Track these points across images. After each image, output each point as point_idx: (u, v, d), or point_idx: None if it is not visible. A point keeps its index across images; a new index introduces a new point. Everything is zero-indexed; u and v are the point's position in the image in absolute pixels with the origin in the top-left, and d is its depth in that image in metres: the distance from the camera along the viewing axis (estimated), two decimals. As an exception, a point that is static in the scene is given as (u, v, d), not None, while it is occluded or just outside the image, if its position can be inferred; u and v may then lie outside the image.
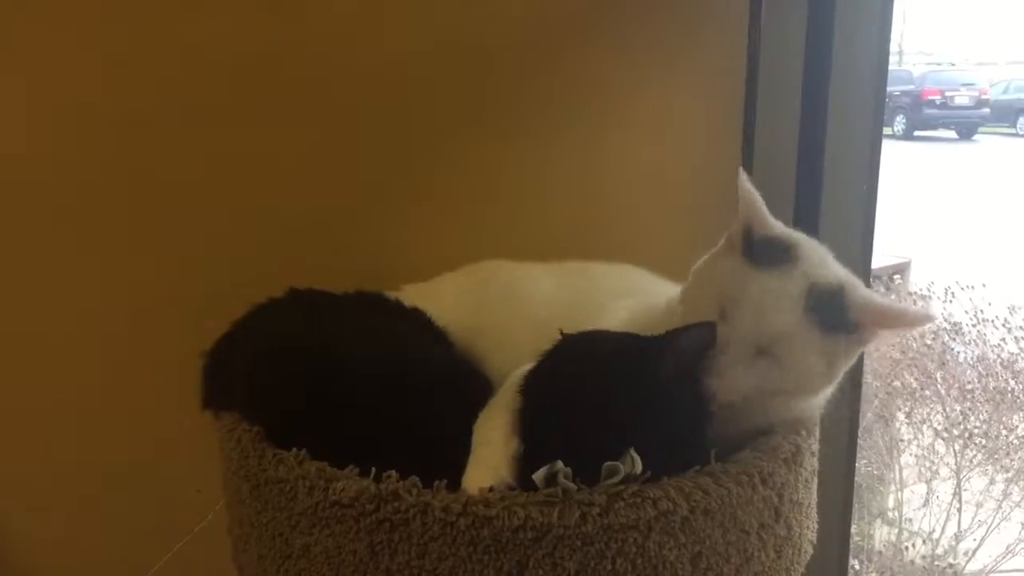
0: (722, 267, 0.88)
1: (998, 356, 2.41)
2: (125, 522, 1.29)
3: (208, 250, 1.25)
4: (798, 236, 0.89)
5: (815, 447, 0.92)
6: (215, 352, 1.03)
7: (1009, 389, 2.36)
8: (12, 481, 1.25)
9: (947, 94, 6.06)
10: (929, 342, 2.49)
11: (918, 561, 2.41)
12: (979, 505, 2.40)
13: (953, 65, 6.37)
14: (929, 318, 0.87)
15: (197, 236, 1.24)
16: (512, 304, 0.95)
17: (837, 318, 0.83)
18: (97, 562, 1.30)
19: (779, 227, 0.88)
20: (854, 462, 1.49)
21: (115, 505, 1.29)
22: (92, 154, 1.19)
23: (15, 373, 1.22)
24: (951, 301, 2.57)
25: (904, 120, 5.86)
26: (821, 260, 0.87)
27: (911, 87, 5.88)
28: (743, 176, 0.87)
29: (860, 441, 1.66)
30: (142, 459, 1.27)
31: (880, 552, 2.45)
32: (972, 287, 2.56)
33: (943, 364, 2.45)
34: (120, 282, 1.23)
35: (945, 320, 2.54)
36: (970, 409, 2.42)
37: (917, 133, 6.03)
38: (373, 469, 0.79)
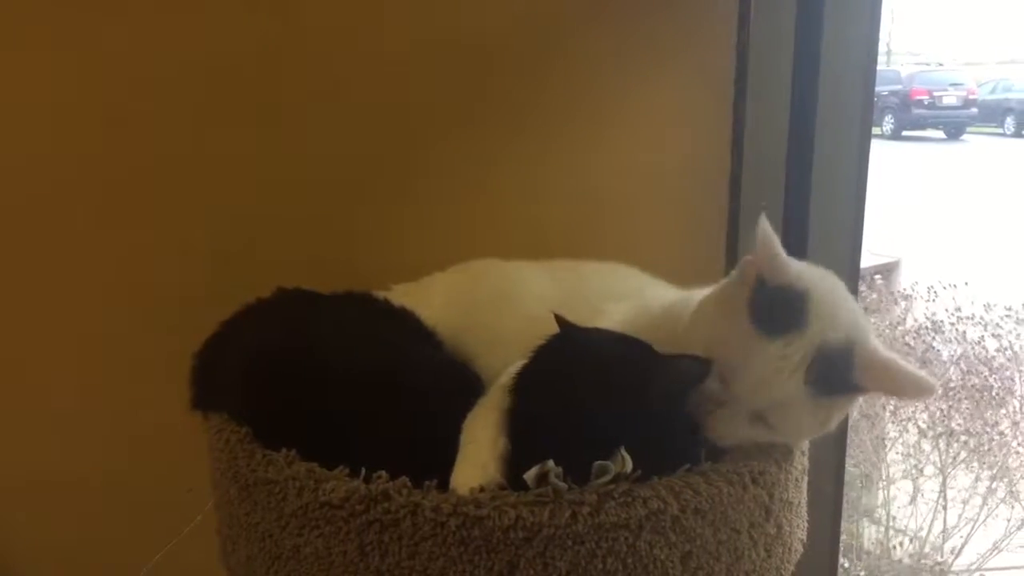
0: (725, 328, 0.84)
1: (976, 353, 2.43)
2: (115, 523, 1.28)
3: (196, 250, 1.24)
4: (810, 281, 0.83)
5: (805, 446, 0.92)
6: (204, 353, 1.02)
7: (990, 386, 2.38)
8: (4, 478, 1.24)
9: (935, 94, 6.09)
10: (911, 341, 2.50)
11: (906, 559, 2.42)
12: (965, 502, 2.41)
13: (941, 65, 6.41)
14: (932, 390, 0.81)
15: (185, 237, 1.24)
16: (503, 303, 0.95)
17: (839, 380, 0.81)
18: (86, 562, 1.29)
19: (792, 273, 0.82)
20: (843, 461, 1.49)
21: (104, 506, 1.28)
22: (80, 154, 1.18)
23: (10, 368, 1.22)
24: (934, 300, 2.59)
25: (892, 120, 5.89)
26: (832, 309, 0.82)
27: (899, 87, 5.91)
28: (763, 220, 0.81)
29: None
30: (131, 459, 1.26)
31: (868, 551, 2.46)
32: (955, 286, 2.58)
33: (926, 363, 2.46)
34: (108, 283, 1.23)
35: (928, 319, 2.55)
36: (953, 407, 2.43)
37: (905, 133, 6.06)
38: (363, 470, 0.79)
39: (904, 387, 0.83)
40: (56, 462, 1.26)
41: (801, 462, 0.91)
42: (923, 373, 0.81)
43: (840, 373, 0.80)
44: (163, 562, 1.18)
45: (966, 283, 2.56)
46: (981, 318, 2.46)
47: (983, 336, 2.43)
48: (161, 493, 1.23)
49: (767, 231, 0.81)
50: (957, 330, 2.47)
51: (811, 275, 0.85)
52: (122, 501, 1.28)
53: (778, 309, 0.81)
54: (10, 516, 1.27)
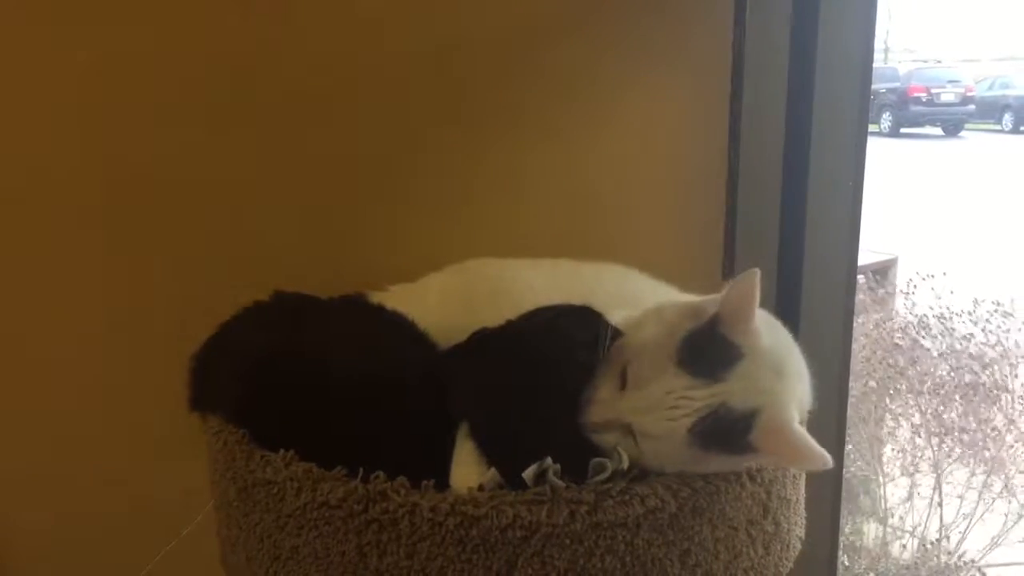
0: (660, 338, 0.82)
1: (965, 348, 2.43)
2: (113, 525, 1.28)
3: (194, 253, 1.24)
4: (756, 345, 0.80)
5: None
6: (202, 354, 1.02)
7: (981, 382, 2.38)
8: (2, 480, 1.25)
9: (933, 91, 6.09)
10: (899, 340, 2.51)
11: (905, 556, 2.42)
12: (961, 498, 2.41)
13: (939, 62, 6.40)
14: (826, 465, 0.76)
15: (184, 239, 1.24)
16: (499, 302, 0.94)
17: (729, 440, 0.78)
18: (85, 565, 1.30)
19: (746, 337, 0.80)
20: (842, 459, 1.49)
21: (103, 508, 1.28)
22: (79, 156, 1.18)
23: (10, 369, 1.22)
24: (913, 293, 2.59)
25: (890, 117, 5.89)
26: (757, 379, 0.79)
27: (897, 84, 5.91)
28: (757, 275, 0.79)
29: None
30: (129, 462, 1.26)
31: (868, 549, 2.46)
32: (933, 275, 2.57)
33: (914, 360, 2.46)
34: (107, 285, 1.23)
35: (913, 315, 2.55)
36: (943, 404, 2.43)
37: (903, 130, 6.06)
38: (361, 470, 0.79)
39: (799, 458, 0.79)
40: (54, 463, 1.26)
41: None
42: (821, 450, 0.77)
43: (732, 434, 0.78)
44: (162, 563, 1.18)
45: (944, 274, 2.56)
46: (970, 313, 2.46)
47: (971, 332, 2.44)
48: (159, 494, 1.24)
49: (753, 287, 0.79)
50: (944, 326, 2.47)
51: (765, 340, 0.82)
52: (120, 504, 1.28)
53: (709, 353, 0.79)
54: (8, 517, 1.27)
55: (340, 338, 0.97)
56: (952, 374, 2.41)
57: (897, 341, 2.47)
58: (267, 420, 0.89)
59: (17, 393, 1.23)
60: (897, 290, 2.70)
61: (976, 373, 2.38)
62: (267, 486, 0.82)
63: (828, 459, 0.76)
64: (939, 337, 2.47)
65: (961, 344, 2.43)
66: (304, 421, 0.87)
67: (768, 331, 0.83)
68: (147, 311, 1.23)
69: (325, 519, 0.78)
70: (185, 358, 1.01)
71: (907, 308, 2.56)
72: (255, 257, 1.24)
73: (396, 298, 1.07)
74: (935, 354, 2.46)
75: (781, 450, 0.79)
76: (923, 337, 2.46)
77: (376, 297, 1.08)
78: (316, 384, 0.88)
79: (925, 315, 2.48)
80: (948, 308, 2.48)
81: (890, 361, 2.46)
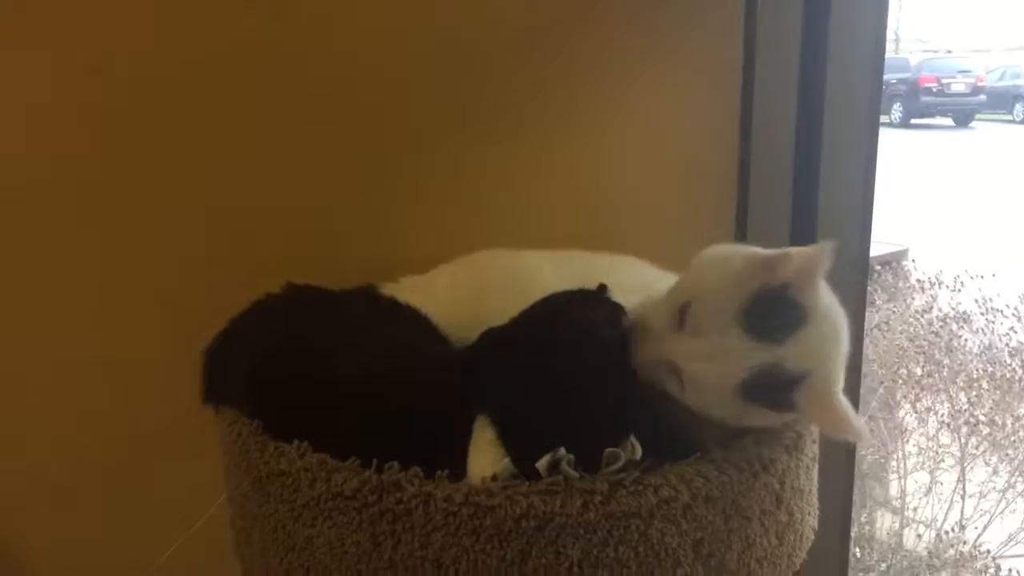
0: (719, 289, 0.82)
1: (1006, 345, 2.42)
2: (126, 518, 1.29)
3: (207, 246, 1.24)
4: (818, 313, 0.82)
5: (816, 434, 0.92)
6: (214, 348, 1.03)
7: (1017, 378, 2.37)
8: (10, 477, 1.25)
9: (943, 81, 6.05)
10: (937, 330, 2.50)
11: (920, 549, 2.42)
12: (982, 495, 2.40)
13: (949, 52, 6.36)
14: (863, 438, 0.81)
15: (197, 232, 1.24)
16: (509, 292, 0.94)
17: (775, 396, 0.80)
18: (98, 558, 1.30)
19: (812, 302, 0.81)
20: (855, 449, 1.49)
21: (116, 500, 1.29)
22: (90, 148, 1.18)
23: (13, 368, 1.23)
24: (960, 290, 2.58)
25: (901, 108, 5.86)
26: (815, 345, 0.81)
27: (907, 75, 5.87)
28: (831, 244, 0.79)
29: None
30: (142, 454, 1.27)
31: (882, 541, 2.45)
32: (982, 276, 2.57)
33: (950, 352, 2.45)
34: (119, 278, 1.23)
35: (953, 308, 2.54)
36: (976, 398, 2.42)
37: (914, 121, 6.03)
38: (375, 461, 0.79)
39: (838, 425, 0.80)
40: (63, 459, 1.26)
41: (812, 449, 0.91)
42: (862, 423, 0.79)
43: (778, 393, 0.79)
44: (176, 556, 1.19)
45: (993, 274, 2.55)
46: (1016, 310, 2.45)
47: (1014, 328, 2.42)
48: (171, 487, 1.24)
49: (828, 255, 0.80)
50: (986, 320, 2.45)
51: (824, 307, 0.83)
52: (133, 496, 1.28)
53: (775, 315, 0.80)
54: (21, 513, 1.28)
55: (352, 330, 0.97)
56: (989, 368, 2.40)
57: (936, 331, 2.46)
58: (279, 413, 0.89)
59: (23, 388, 1.23)
60: (923, 281, 2.68)
61: (1015, 369, 2.37)
62: (281, 477, 0.82)
63: (865, 432, 0.79)
64: (980, 332, 2.46)
65: (1001, 340, 2.42)
66: (315, 414, 0.87)
67: (828, 298, 0.84)
68: (158, 304, 1.24)
69: (339, 509, 0.79)
70: (197, 351, 1.02)
71: (951, 304, 2.54)
72: (267, 250, 1.24)
73: (406, 290, 1.07)
74: (975, 349, 2.45)
75: (823, 415, 0.81)
76: (963, 330, 2.45)
77: (387, 289, 1.09)
78: (328, 377, 0.89)
79: (967, 310, 2.47)
80: (990, 301, 2.47)
81: (927, 353, 2.45)
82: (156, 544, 1.26)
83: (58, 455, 1.27)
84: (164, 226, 1.23)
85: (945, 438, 2.48)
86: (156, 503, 1.26)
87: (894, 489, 2.51)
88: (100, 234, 1.22)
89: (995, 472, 2.41)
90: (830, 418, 0.80)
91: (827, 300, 0.84)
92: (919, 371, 2.51)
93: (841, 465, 1.39)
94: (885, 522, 2.47)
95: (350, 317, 1.01)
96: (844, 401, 0.80)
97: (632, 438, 0.79)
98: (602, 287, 0.91)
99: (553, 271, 1.01)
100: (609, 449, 0.79)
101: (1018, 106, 6.03)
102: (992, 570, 2.31)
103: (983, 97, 6.21)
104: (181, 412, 1.03)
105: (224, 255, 1.24)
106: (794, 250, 0.82)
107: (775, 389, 0.80)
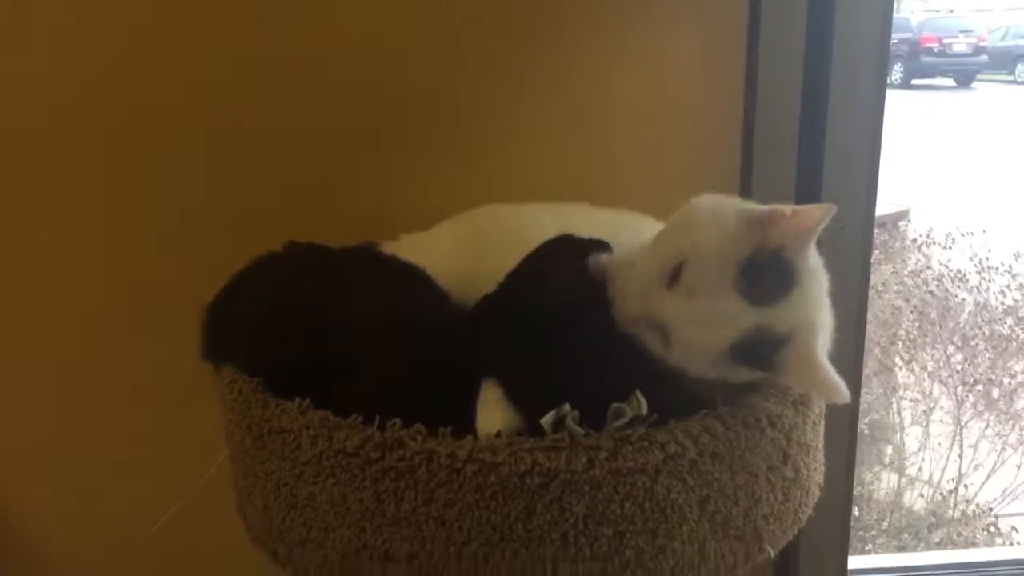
0: (710, 244, 0.80)
1: (1000, 303, 2.41)
2: (127, 477, 1.29)
3: (208, 203, 1.24)
4: (806, 274, 0.81)
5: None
6: (215, 305, 1.02)
7: (1012, 336, 2.37)
8: (8, 434, 1.25)
9: (945, 41, 5.99)
10: (932, 289, 2.49)
11: (916, 507, 2.44)
12: (974, 447, 2.42)
13: (951, 11, 6.30)
14: (844, 398, 0.78)
15: (198, 190, 1.23)
16: (511, 247, 0.93)
17: (758, 357, 0.79)
18: (100, 518, 1.30)
19: (806, 264, 0.81)
20: (858, 408, 1.48)
21: (116, 459, 1.29)
22: (92, 106, 1.18)
23: (12, 325, 1.22)
24: (951, 247, 2.57)
25: (902, 68, 5.80)
26: (802, 306, 0.80)
27: (909, 35, 5.82)
28: (833, 209, 0.78)
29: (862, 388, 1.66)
30: (143, 413, 1.27)
31: (879, 500, 2.47)
32: (972, 233, 2.56)
33: (946, 311, 2.45)
34: (119, 234, 1.23)
35: (946, 267, 2.54)
36: (971, 356, 2.43)
37: (915, 81, 5.98)
38: (377, 417, 0.79)
39: (820, 386, 0.80)
40: (62, 418, 1.26)
41: (819, 405, 0.90)
42: (841, 383, 0.78)
43: (763, 353, 0.79)
44: (179, 515, 1.19)
45: (984, 231, 2.54)
46: (1011, 267, 2.44)
47: (1008, 285, 2.42)
48: (174, 446, 1.24)
49: (826, 216, 0.78)
50: (981, 278, 2.45)
51: (811, 268, 0.82)
52: (134, 455, 1.28)
53: (769, 279, 0.79)
54: (18, 476, 1.28)
55: (353, 288, 0.96)
56: (984, 328, 2.40)
57: (932, 291, 2.46)
58: (280, 370, 0.88)
59: (23, 344, 1.23)
60: (918, 241, 2.67)
61: (1010, 327, 2.37)
62: (283, 434, 0.81)
63: (846, 393, 0.77)
64: (976, 290, 2.45)
65: (996, 298, 2.42)
66: (317, 371, 0.86)
67: (814, 257, 0.83)
68: (158, 261, 1.23)
69: (341, 467, 0.78)
70: (197, 309, 1.01)
71: (941, 262, 2.54)
72: (268, 208, 1.23)
73: (408, 247, 1.06)
74: (971, 306, 2.45)
75: (804, 376, 0.80)
76: (959, 288, 2.45)
77: (388, 246, 1.07)
78: (328, 334, 0.88)
79: (961, 269, 2.46)
80: (986, 260, 2.46)
81: (922, 311, 2.45)
82: (158, 504, 1.27)
83: (58, 415, 1.27)
84: (165, 183, 1.22)
85: (942, 397, 2.48)
86: (157, 462, 1.26)
87: (892, 448, 2.52)
88: (101, 190, 1.21)
89: (987, 426, 2.42)
90: (812, 379, 0.80)
91: (814, 260, 0.83)
92: (915, 331, 2.51)
93: (844, 424, 1.38)
94: (883, 481, 2.48)
95: (351, 275, 0.99)
96: (826, 362, 0.79)
97: (637, 394, 0.78)
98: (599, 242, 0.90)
99: (555, 226, 1.00)
100: (614, 405, 0.78)
101: (1020, 66, 5.98)
102: (992, 526, 2.32)
103: (985, 57, 6.16)
104: (182, 370, 1.02)
105: (225, 212, 1.23)
106: (790, 209, 0.80)
107: (762, 351, 0.79)
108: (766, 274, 0.79)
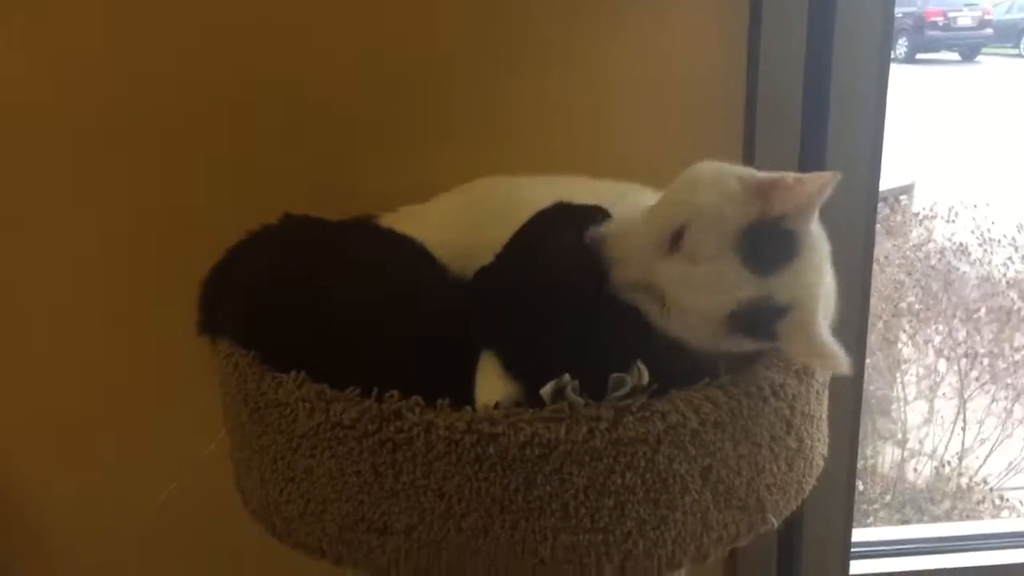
0: (711, 213, 0.79)
1: (1003, 276, 2.40)
2: (126, 454, 1.29)
3: (205, 176, 1.22)
4: (808, 241, 0.80)
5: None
6: (211, 279, 1.01)
7: (1015, 308, 2.35)
8: (7, 411, 1.25)
9: (949, 15, 5.93)
10: (935, 263, 2.48)
11: (920, 482, 2.43)
12: (981, 423, 2.41)
13: (956, -15, 6.24)
14: (844, 369, 0.77)
15: (195, 162, 1.22)
16: (510, 218, 0.91)
17: (757, 328, 0.78)
18: (99, 495, 1.30)
19: (809, 231, 0.80)
20: (862, 383, 1.47)
21: (115, 436, 1.29)
22: (89, 71, 1.17)
23: (10, 304, 1.22)
24: (954, 220, 2.56)
25: (906, 43, 5.75)
26: (803, 274, 0.79)
27: (913, 8, 5.77)
28: (837, 177, 0.77)
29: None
30: (140, 388, 1.26)
31: (883, 474, 2.47)
32: (975, 206, 2.55)
33: (949, 284, 2.44)
34: (115, 207, 1.22)
35: (949, 240, 2.52)
36: (975, 329, 2.42)
37: (919, 56, 5.93)
38: (375, 390, 0.78)
39: (819, 356, 0.79)
40: (62, 396, 1.26)
41: (822, 376, 0.89)
42: (842, 353, 0.77)
43: (762, 323, 0.78)
44: (179, 490, 1.19)
45: (987, 204, 2.52)
46: (1013, 239, 2.43)
47: (1011, 258, 2.41)
48: (169, 424, 1.24)
49: (829, 185, 0.77)
50: (984, 251, 2.44)
51: (813, 236, 0.81)
52: (130, 432, 1.28)
53: (770, 247, 0.78)
54: (18, 452, 1.28)
55: (350, 260, 0.95)
56: (987, 301, 2.39)
57: (934, 265, 2.44)
58: (276, 343, 0.87)
59: (21, 324, 1.23)
60: (920, 214, 2.66)
61: (1013, 299, 2.36)
62: (279, 407, 0.80)
63: (846, 363, 0.76)
64: (978, 264, 2.44)
65: (999, 271, 2.41)
66: (313, 344, 0.85)
67: (816, 226, 0.82)
68: (155, 236, 1.22)
69: (339, 439, 0.77)
70: (193, 282, 1.00)
71: (945, 236, 2.52)
72: (264, 180, 1.22)
73: (405, 220, 1.04)
74: (973, 279, 2.43)
75: (804, 347, 0.78)
76: (961, 262, 2.43)
77: (385, 219, 1.06)
78: (325, 306, 0.87)
79: (964, 242, 2.45)
80: (988, 233, 2.45)
81: (923, 284, 2.44)
82: (157, 480, 1.27)
83: (57, 392, 1.27)
84: (162, 154, 1.21)
85: (945, 370, 2.47)
86: (156, 438, 1.26)
87: (895, 422, 2.51)
88: (98, 161, 1.20)
89: (994, 400, 2.41)
90: (812, 350, 0.78)
91: (816, 229, 0.82)
92: (918, 304, 2.50)
93: (849, 397, 1.37)
94: (887, 455, 2.48)
95: (347, 246, 0.98)
96: (827, 333, 0.78)
97: (639, 363, 0.77)
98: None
99: (552, 197, 0.98)
100: (615, 375, 0.77)
101: (1025, 40, 5.93)
102: (995, 500, 2.32)
103: (990, 31, 6.10)
104: (182, 346, 1.01)
105: (221, 186, 1.22)
106: (793, 177, 0.79)
107: (761, 320, 0.78)
108: (768, 243, 0.78)
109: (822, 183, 0.77)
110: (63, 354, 1.26)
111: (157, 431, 1.26)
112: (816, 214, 0.80)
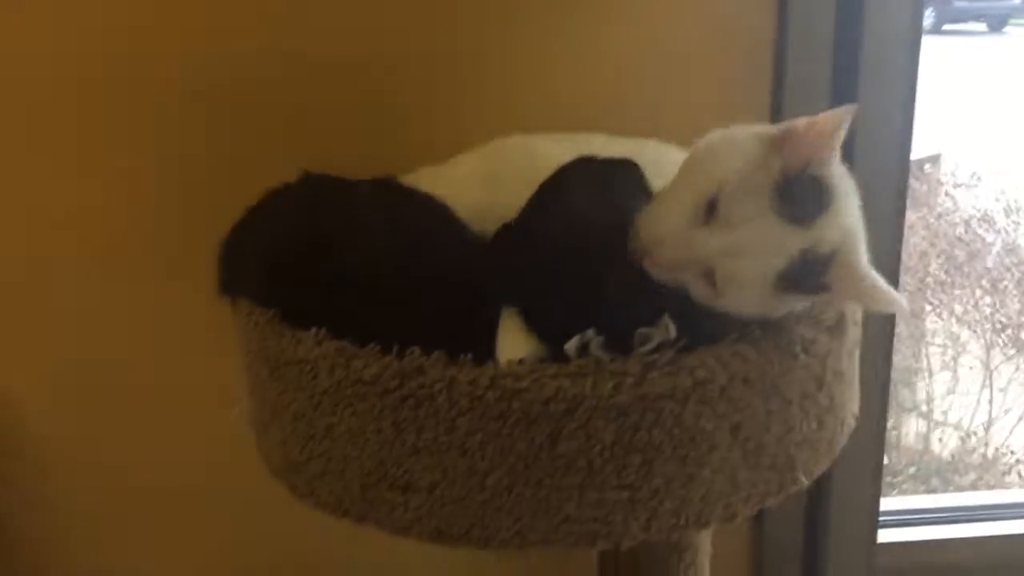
0: (746, 177, 0.77)
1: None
2: (146, 416, 1.28)
3: (227, 135, 1.21)
4: (839, 184, 0.79)
5: (858, 316, 0.88)
6: (230, 239, 1.00)
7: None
8: (27, 379, 1.25)
9: (977, -15, 5.85)
10: (960, 234, 2.45)
11: (945, 453, 2.41)
12: (1004, 392, 2.39)
13: (984, -45, 6.14)
14: (901, 307, 0.77)
15: (218, 121, 1.21)
16: (531, 176, 0.90)
17: (807, 281, 0.76)
18: (120, 458, 1.30)
19: (836, 173, 0.78)
20: (891, 354, 1.45)
21: (135, 398, 1.28)
22: (109, 39, 1.17)
23: (30, 266, 1.21)
24: (976, 185, 2.52)
25: (933, 14, 5.67)
26: (839, 217, 0.77)
27: (941, -21, 5.68)
28: (852, 109, 0.75)
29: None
30: (161, 350, 1.26)
31: (908, 446, 2.45)
32: (1001, 175, 2.51)
33: (973, 254, 2.41)
34: (136, 167, 1.21)
35: (974, 209, 2.49)
36: (1000, 300, 2.39)
37: (946, 27, 5.84)
38: (396, 346, 0.76)
39: (873, 298, 0.77)
40: (83, 358, 1.26)
41: (854, 332, 0.87)
42: (893, 291, 0.76)
43: (811, 276, 0.76)
44: (202, 451, 1.19)
45: (1013, 173, 2.48)
46: None
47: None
48: (191, 385, 1.23)
49: (846, 119, 0.75)
50: (1011, 220, 2.40)
51: (840, 177, 0.80)
52: (151, 394, 1.28)
53: (805, 198, 0.76)
54: (38, 417, 1.28)
55: (370, 218, 0.94)
56: (1013, 271, 2.36)
57: (960, 235, 2.41)
58: (297, 302, 0.86)
59: (41, 283, 1.22)
60: (949, 185, 2.62)
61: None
62: (299, 364, 0.79)
63: (901, 301, 0.76)
64: (1004, 233, 2.41)
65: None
66: (334, 302, 0.84)
67: (839, 167, 0.80)
68: (176, 195, 1.22)
69: (359, 396, 0.76)
70: (213, 242, 0.99)
71: (971, 204, 2.49)
72: (284, 139, 1.20)
73: (425, 180, 1.03)
74: (998, 248, 2.40)
75: (856, 290, 0.78)
76: (986, 231, 2.40)
77: (407, 179, 1.05)
78: (346, 264, 0.86)
79: (988, 209, 2.41)
80: (1014, 202, 2.41)
81: (949, 254, 2.41)
82: (179, 443, 1.26)
83: (79, 357, 1.27)
84: (184, 111, 1.20)
85: (970, 341, 2.45)
86: (178, 400, 1.26)
87: (921, 393, 2.49)
88: (118, 115, 1.19)
89: (1017, 369, 2.39)
90: (864, 291, 0.77)
91: (840, 170, 0.80)
92: (943, 274, 2.47)
93: (879, 362, 1.35)
94: (912, 427, 2.46)
95: (368, 205, 0.97)
96: (873, 273, 0.77)
97: (666, 317, 0.75)
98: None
99: (575, 154, 0.97)
100: (641, 330, 0.75)
101: (1053, 10, 5.83)
102: (1022, 471, 2.30)
103: (1017, 1, 6.01)
104: (198, 305, 1.00)
105: (241, 145, 1.21)
106: (804, 121, 0.77)
107: (810, 273, 0.76)
108: (800, 193, 0.76)
109: (836, 120, 0.75)
110: (80, 314, 1.25)
111: (177, 393, 1.26)
112: (838, 156, 0.79)
